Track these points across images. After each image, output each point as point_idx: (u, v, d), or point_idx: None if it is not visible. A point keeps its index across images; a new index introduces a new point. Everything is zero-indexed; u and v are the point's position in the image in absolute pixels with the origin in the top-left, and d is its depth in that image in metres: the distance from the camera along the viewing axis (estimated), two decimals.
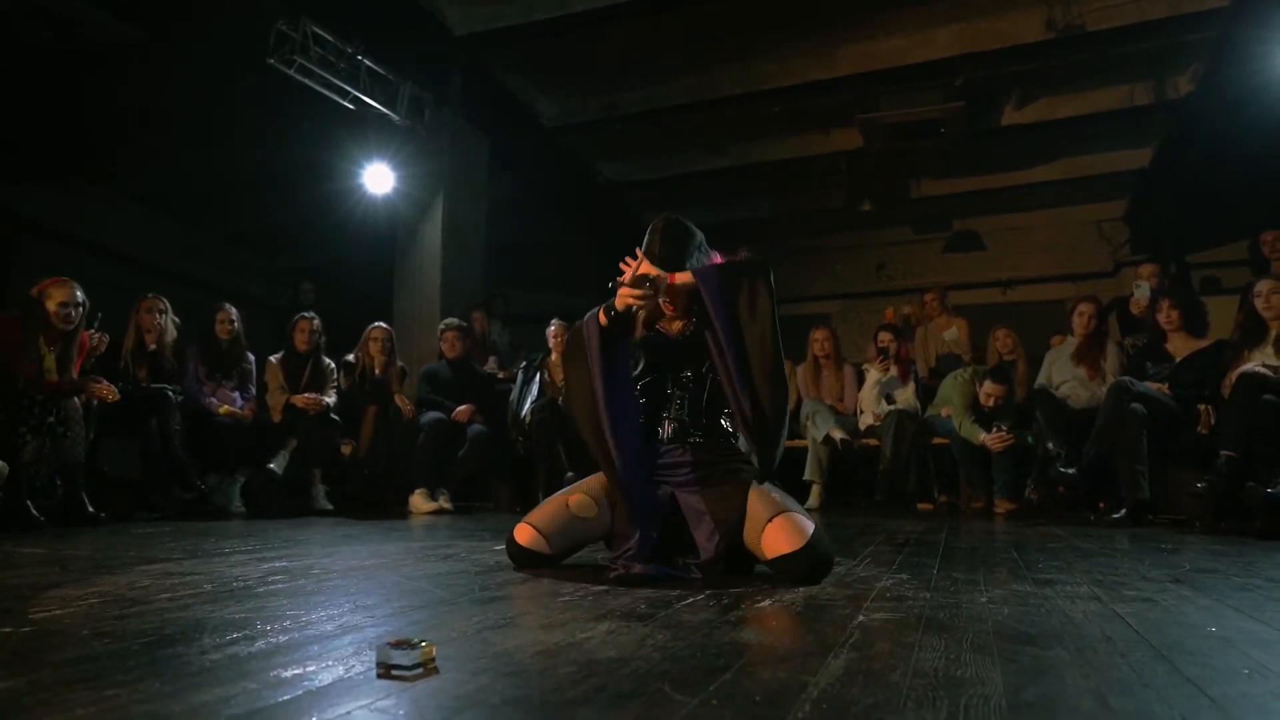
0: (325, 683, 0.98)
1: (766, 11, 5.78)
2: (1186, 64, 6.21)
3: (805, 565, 1.81)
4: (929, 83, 6.39)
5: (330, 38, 5.14)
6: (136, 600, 1.56)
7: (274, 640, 1.21)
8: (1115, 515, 3.81)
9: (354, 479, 4.92)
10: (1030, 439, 4.75)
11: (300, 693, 0.93)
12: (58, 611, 1.44)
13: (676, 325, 2.15)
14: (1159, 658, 1.13)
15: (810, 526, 1.86)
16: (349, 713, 0.86)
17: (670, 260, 2.06)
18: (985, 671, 1.05)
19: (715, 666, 1.07)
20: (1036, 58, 6.08)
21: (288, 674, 1.01)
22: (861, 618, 1.43)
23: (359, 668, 1.05)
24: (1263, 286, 3.82)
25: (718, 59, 6.50)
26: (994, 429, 4.75)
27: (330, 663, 1.08)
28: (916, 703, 0.91)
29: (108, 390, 3.66)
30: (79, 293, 3.60)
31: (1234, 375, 3.63)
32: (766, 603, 1.59)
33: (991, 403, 4.86)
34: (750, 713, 0.87)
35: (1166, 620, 1.42)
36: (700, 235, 2.17)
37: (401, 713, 0.86)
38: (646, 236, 2.13)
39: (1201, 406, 3.89)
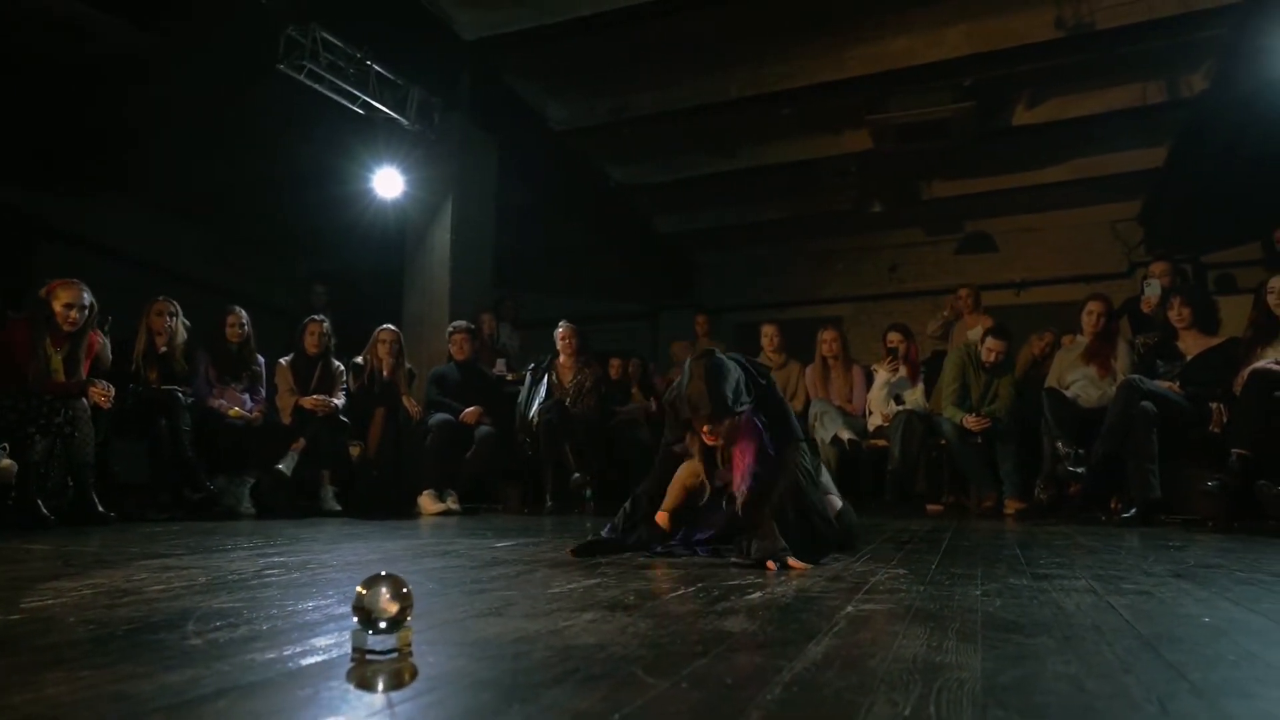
0: (300, 666, 0.98)
1: (775, 14, 5.76)
2: (1200, 61, 6.14)
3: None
4: (939, 83, 6.34)
5: (339, 43, 5.18)
6: (129, 591, 1.57)
7: (257, 628, 1.22)
8: (1126, 514, 3.76)
9: (362, 480, 4.94)
10: (997, 415, 4.81)
11: (273, 675, 0.93)
12: (50, 601, 1.45)
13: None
14: (1145, 646, 1.12)
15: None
16: (316, 693, 0.86)
17: (717, 409, 2.08)
18: (965, 658, 1.04)
19: (692, 653, 1.06)
20: (1047, 57, 6.01)
21: (264, 658, 1.01)
22: (850, 609, 1.42)
23: (336, 652, 1.05)
24: (1275, 283, 3.77)
25: (727, 61, 6.49)
26: (977, 414, 4.82)
27: (308, 648, 1.08)
28: (889, 686, 0.90)
29: (102, 395, 3.68)
30: (86, 294, 3.62)
31: (1246, 373, 3.58)
32: (756, 595, 1.58)
33: (993, 358, 4.93)
34: (718, 695, 0.86)
35: (1160, 611, 1.40)
36: (737, 373, 2.16)
37: (373, 693, 0.86)
38: (683, 380, 2.16)
39: (1213, 405, 3.84)
